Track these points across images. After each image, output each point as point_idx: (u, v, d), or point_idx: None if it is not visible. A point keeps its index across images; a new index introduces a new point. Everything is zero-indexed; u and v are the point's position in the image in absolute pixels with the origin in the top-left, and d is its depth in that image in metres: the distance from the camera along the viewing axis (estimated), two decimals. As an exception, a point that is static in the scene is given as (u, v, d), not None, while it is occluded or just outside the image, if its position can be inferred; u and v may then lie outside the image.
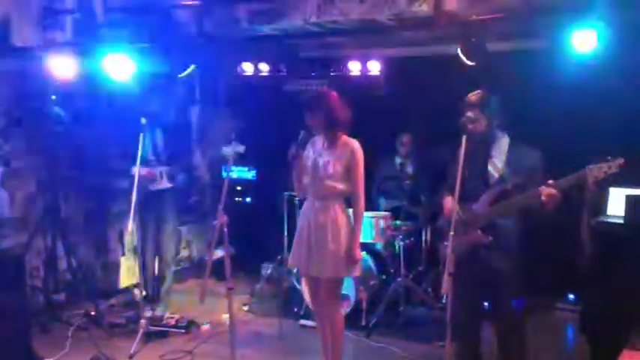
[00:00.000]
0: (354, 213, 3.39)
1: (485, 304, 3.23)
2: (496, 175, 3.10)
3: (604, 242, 3.74)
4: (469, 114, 3.09)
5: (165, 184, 4.60)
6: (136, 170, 3.99)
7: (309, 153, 3.52)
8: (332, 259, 3.35)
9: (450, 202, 3.28)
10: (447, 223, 3.22)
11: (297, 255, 3.50)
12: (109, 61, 4.48)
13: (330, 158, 3.39)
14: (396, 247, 4.85)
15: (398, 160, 5.36)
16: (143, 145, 4.02)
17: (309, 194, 3.53)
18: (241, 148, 5.57)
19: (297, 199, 5.21)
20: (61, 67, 4.52)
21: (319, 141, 3.51)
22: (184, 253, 6.07)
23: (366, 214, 4.65)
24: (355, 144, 3.38)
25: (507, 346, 3.14)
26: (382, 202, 5.35)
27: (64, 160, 4.93)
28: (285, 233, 5.08)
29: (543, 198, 2.83)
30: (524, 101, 4.33)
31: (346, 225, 3.38)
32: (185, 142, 5.33)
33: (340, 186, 3.38)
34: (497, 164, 3.11)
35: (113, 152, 4.94)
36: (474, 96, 3.13)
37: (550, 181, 2.87)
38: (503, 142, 3.15)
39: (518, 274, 3.09)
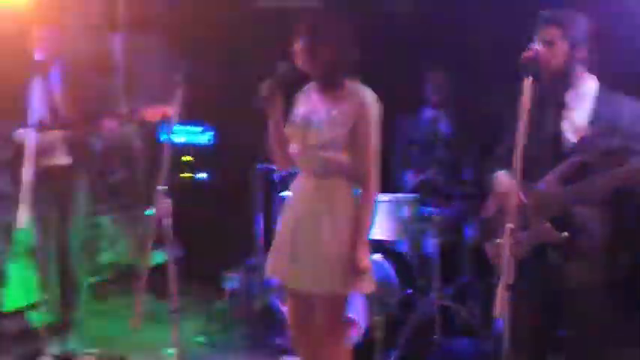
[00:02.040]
0: (362, 197, 3.42)
1: (559, 332, 3.31)
2: (574, 138, 3.15)
3: None
4: (544, 36, 3.13)
5: (62, 159, 4.67)
6: (26, 136, 4.02)
7: (299, 106, 3.53)
8: (331, 265, 3.37)
9: (504, 180, 3.31)
10: (500, 212, 3.26)
11: (279, 259, 3.53)
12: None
13: (328, 116, 3.39)
14: (427, 248, 4.94)
15: (428, 114, 5.40)
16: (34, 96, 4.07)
17: (299, 169, 3.56)
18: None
19: (277, 174, 5.28)
20: None
21: (313, 90, 3.53)
22: (106, 257, 6.14)
23: (382, 196, 4.64)
24: (366, 94, 3.38)
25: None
26: (407, 179, 5.41)
27: None
28: (261, 226, 5.14)
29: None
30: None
31: (352, 214, 3.40)
32: (100, 85, 5.33)
33: (343, 158, 3.38)
34: (575, 121, 3.15)
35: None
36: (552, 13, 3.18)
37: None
38: (586, 87, 3.19)
39: (608, 292, 3.16)
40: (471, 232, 5.11)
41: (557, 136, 3.18)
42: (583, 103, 3.16)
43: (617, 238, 3.17)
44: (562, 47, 3.15)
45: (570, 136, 3.16)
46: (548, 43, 3.14)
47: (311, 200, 3.44)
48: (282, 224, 3.58)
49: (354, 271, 3.36)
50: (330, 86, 3.43)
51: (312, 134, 3.41)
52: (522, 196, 3.09)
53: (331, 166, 3.41)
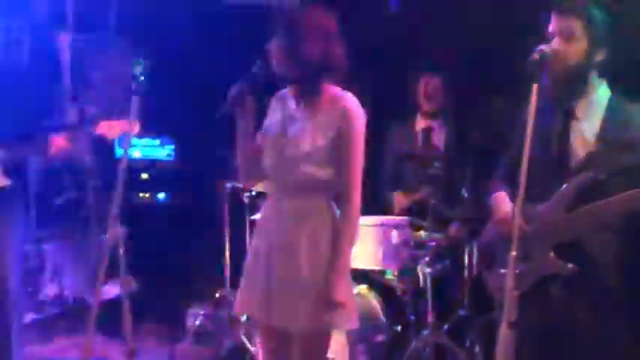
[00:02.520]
0: (343, 218, 3.35)
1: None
2: (582, 152, 3.12)
3: None
4: (561, 28, 3.07)
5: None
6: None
7: (272, 114, 3.49)
8: (310, 299, 3.31)
9: (504, 202, 3.30)
10: (500, 239, 3.24)
11: (250, 292, 3.47)
12: None
13: (307, 125, 3.35)
14: (420, 278, 4.89)
15: (420, 124, 5.38)
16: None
17: (273, 187, 3.52)
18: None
19: (246, 194, 5.23)
20: None
21: (289, 95, 3.47)
22: (50, 290, 6.08)
23: (368, 219, 4.72)
24: (350, 101, 3.33)
25: None
26: (397, 200, 5.38)
27: None
28: (227, 254, 5.09)
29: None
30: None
31: (334, 240, 3.34)
32: (44, 96, 5.29)
33: (324, 173, 3.32)
34: (584, 133, 3.13)
35: None
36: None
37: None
38: (597, 95, 3.16)
39: (625, 340, 3.13)
40: (470, 260, 5.10)
41: (564, 150, 3.16)
42: (593, 113, 3.14)
43: (631, 270, 3.16)
44: (581, 44, 3.10)
45: (578, 150, 3.14)
46: (566, 37, 3.09)
47: (287, 224, 3.38)
48: (254, 252, 3.51)
49: (329, 304, 3.29)
50: (310, 91, 3.38)
51: (289, 146, 3.36)
52: (524, 222, 3.04)
53: (310, 182, 3.35)
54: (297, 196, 3.37)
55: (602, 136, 3.10)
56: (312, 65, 3.32)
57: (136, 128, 4.41)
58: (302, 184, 3.36)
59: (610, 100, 3.16)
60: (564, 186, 3.11)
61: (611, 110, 3.13)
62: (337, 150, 3.31)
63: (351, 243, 3.37)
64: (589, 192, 3.06)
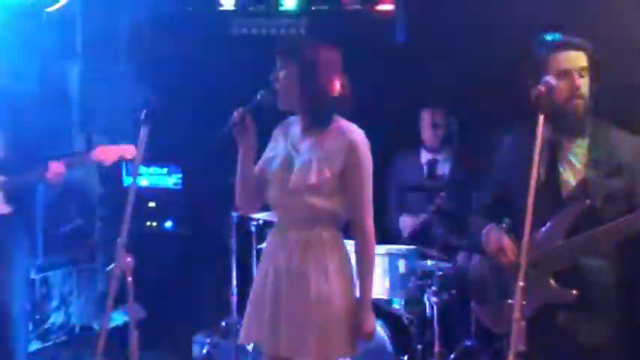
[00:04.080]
0: (359, 251, 3.39)
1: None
2: (572, 180, 3.16)
3: None
4: (575, 77, 3.10)
5: (1, 207, 4.56)
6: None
7: (276, 144, 3.50)
8: (319, 329, 3.32)
9: (495, 236, 3.31)
10: (491, 270, 3.29)
11: (256, 322, 3.47)
12: None
13: (312, 156, 3.36)
14: (427, 307, 4.89)
15: (425, 156, 5.40)
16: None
17: (278, 218, 3.52)
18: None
19: (253, 223, 5.25)
20: None
21: (294, 125, 3.50)
22: (55, 318, 6.05)
23: (375, 249, 4.73)
24: (356, 132, 3.36)
25: None
26: (403, 224, 5.41)
27: None
28: (234, 283, 5.08)
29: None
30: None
31: (342, 270, 3.38)
32: (52, 125, 5.30)
33: (330, 204, 3.35)
34: (574, 163, 3.17)
35: None
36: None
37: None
38: (585, 123, 3.19)
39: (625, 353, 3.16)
40: None
41: (554, 179, 3.19)
42: (580, 145, 3.19)
43: (632, 292, 3.20)
44: (587, 78, 3.16)
45: (569, 178, 3.18)
46: (582, 73, 3.14)
47: (294, 253, 3.38)
48: (260, 281, 3.51)
49: (359, 335, 3.34)
50: (319, 123, 3.40)
51: (295, 177, 3.36)
52: (516, 250, 3.12)
53: (317, 214, 3.36)
54: (303, 227, 3.38)
55: (591, 163, 3.14)
56: (321, 98, 3.35)
57: (132, 153, 4.43)
58: (308, 216, 3.36)
59: (595, 126, 3.19)
60: (560, 213, 3.13)
61: (596, 137, 3.17)
62: (345, 182, 3.33)
63: (371, 271, 3.40)
64: (583, 219, 3.09)
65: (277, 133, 3.54)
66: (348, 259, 3.43)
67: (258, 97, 3.38)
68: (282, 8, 5.47)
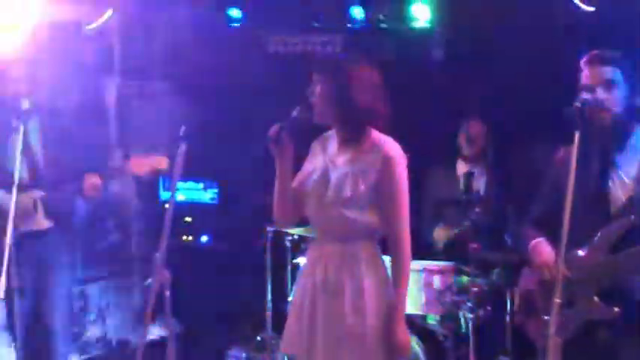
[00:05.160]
0: (395, 264, 3.39)
1: None
2: (623, 197, 3.13)
3: None
4: (602, 78, 3.11)
5: (41, 222, 4.64)
6: (9, 198, 4.01)
7: (314, 158, 3.54)
8: (355, 342, 3.33)
9: (543, 249, 3.30)
10: (539, 284, 3.25)
11: (295, 334, 3.48)
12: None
13: (348, 170, 3.38)
14: (462, 323, 4.89)
15: (461, 168, 5.40)
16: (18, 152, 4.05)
17: (316, 232, 3.55)
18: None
19: (288, 238, 5.26)
20: None
21: (332, 140, 3.53)
22: (93, 331, 6.09)
23: (410, 265, 4.71)
24: (392, 146, 3.37)
25: None
26: (437, 239, 5.41)
27: None
28: (269, 297, 5.10)
29: None
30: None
31: (379, 284, 3.38)
32: (87, 138, 5.34)
33: (365, 217, 3.36)
34: (624, 179, 3.15)
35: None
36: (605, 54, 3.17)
37: None
38: (636, 139, 3.18)
39: None
40: (513, 306, 4.99)
41: (603, 195, 3.16)
42: (631, 157, 3.16)
43: None
44: (622, 92, 3.14)
45: (618, 194, 3.14)
46: (608, 87, 3.13)
47: (331, 267, 3.40)
48: (299, 294, 3.54)
49: (392, 347, 3.32)
50: (356, 138, 3.42)
51: (331, 190, 3.40)
52: (565, 267, 3.03)
53: (354, 227, 3.38)
54: (339, 241, 3.39)
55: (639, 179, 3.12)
56: (355, 112, 3.36)
57: (164, 164, 4.46)
58: (344, 229, 3.38)
59: None
60: (605, 229, 3.11)
61: None
62: (380, 196, 3.34)
63: (406, 286, 3.39)
64: (630, 235, 3.06)
65: (315, 147, 3.57)
66: (385, 274, 3.43)
67: (295, 113, 3.40)
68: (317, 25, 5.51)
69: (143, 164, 4.44)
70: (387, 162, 3.34)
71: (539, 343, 3.38)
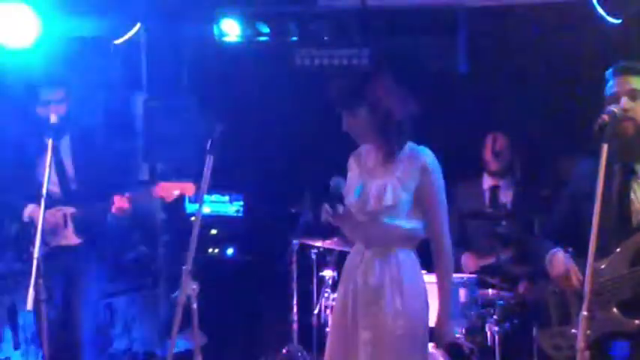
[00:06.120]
0: (438, 264, 3.48)
1: None
2: None
3: None
4: (624, 100, 3.10)
5: (71, 237, 4.67)
6: (40, 212, 4.03)
7: (353, 174, 3.59)
8: (396, 345, 3.37)
9: (561, 261, 3.30)
10: (554, 296, 3.28)
11: (336, 340, 3.55)
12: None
13: (387, 180, 3.44)
14: (488, 336, 4.84)
15: (487, 182, 5.40)
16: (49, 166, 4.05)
17: (356, 241, 3.59)
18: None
19: (313, 250, 5.28)
20: None
21: (367, 154, 3.58)
22: (119, 344, 6.09)
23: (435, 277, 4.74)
24: (427, 154, 3.45)
25: None
26: (465, 263, 5.37)
27: None
28: (295, 309, 5.12)
29: None
30: None
31: (417, 288, 3.45)
32: (120, 157, 5.37)
33: (407, 224, 3.44)
34: None
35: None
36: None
37: None
38: None
39: None
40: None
41: (625, 208, 3.16)
42: None
43: None
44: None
45: (639, 208, 3.14)
46: (633, 96, 3.13)
47: (370, 272, 3.46)
48: (339, 300, 3.60)
49: (441, 346, 3.50)
50: (395, 149, 3.48)
51: (373, 200, 3.45)
52: (582, 278, 3.05)
53: (395, 234, 3.45)
54: (380, 247, 3.46)
55: None
56: (397, 125, 3.44)
57: (191, 191, 4.50)
58: (385, 236, 3.45)
59: None
60: (626, 242, 3.11)
61: None
62: (420, 203, 3.43)
63: (450, 287, 3.52)
64: None
65: (352, 162, 3.64)
66: (422, 279, 3.51)
67: (331, 186, 3.47)
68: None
69: (170, 190, 4.48)
70: (424, 169, 3.43)
71: (555, 355, 3.39)
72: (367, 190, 3.47)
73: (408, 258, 3.47)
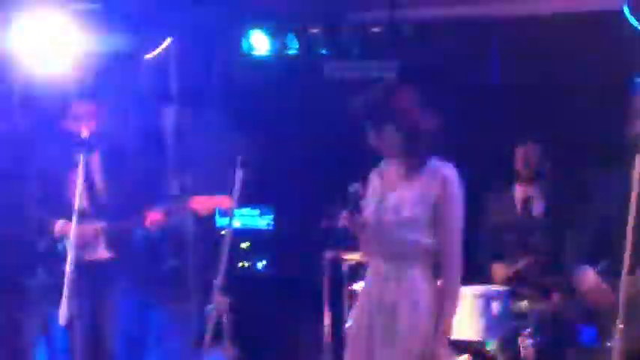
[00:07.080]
0: (444, 284, 3.42)
1: None
2: None
3: None
4: None
5: (102, 252, 4.70)
6: (71, 227, 4.08)
7: (373, 189, 3.58)
8: None
9: (590, 276, 3.35)
10: (582, 311, 3.29)
11: (355, 355, 3.54)
12: (23, 30, 4.66)
13: (407, 193, 3.44)
14: (522, 349, 4.78)
15: (519, 193, 5.37)
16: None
17: (374, 254, 3.58)
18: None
19: (346, 264, 5.27)
20: None
21: (390, 168, 3.58)
22: (151, 357, 6.07)
23: (468, 290, 4.66)
24: (448, 169, 3.43)
25: None
26: (495, 270, 5.33)
27: None
28: (327, 322, 5.12)
29: None
30: None
31: (433, 305, 3.40)
32: (147, 168, 5.42)
33: (425, 239, 3.41)
34: None
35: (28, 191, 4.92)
36: None
37: None
38: None
39: None
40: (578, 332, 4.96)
41: None
42: None
43: None
44: None
45: None
46: None
47: (386, 288, 3.45)
48: (357, 315, 3.60)
49: None
50: (419, 164, 3.47)
51: (390, 213, 3.45)
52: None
53: (412, 248, 3.43)
54: (396, 262, 3.44)
55: None
56: (422, 139, 3.43)
57: (227, 203, 4.50)
58: (402, 250, 3.43)
59: None
60: None
61: None
62: (437, 217, 3.38)
63: (454, 307, 3.43)
64: None
65: (373, 177, 3.63)
66: (438, 294, 3.45)
67: (351, 191, 3.47)
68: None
69: (206, 203, 4.50)
70: (444, 183, 3.40)
71: None
72: (386, 202, 3.47)
73: (424, 275, 3.43)
